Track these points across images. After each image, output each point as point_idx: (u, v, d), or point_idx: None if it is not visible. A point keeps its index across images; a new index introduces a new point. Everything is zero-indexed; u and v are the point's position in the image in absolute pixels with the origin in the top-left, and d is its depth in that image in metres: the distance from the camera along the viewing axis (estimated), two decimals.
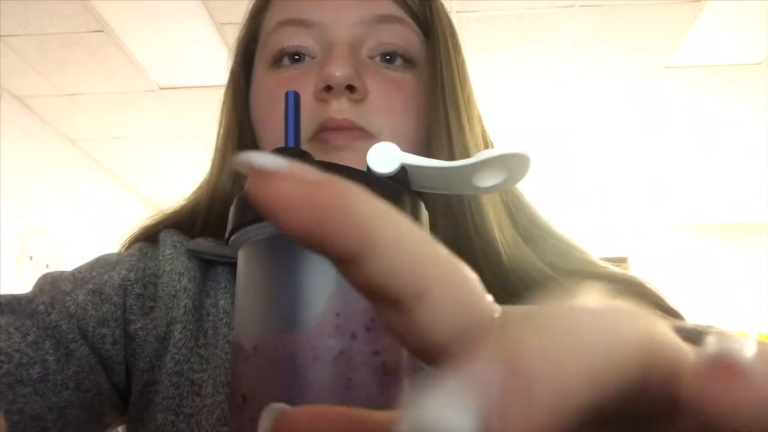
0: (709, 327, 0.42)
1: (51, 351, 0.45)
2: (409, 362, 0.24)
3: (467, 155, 0.49)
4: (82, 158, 3.41)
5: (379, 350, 0.23)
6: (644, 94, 2.86)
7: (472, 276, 0.16)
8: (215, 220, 0.55)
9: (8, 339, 0.43)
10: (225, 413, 0.45)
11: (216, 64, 2.54)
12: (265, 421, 0.17)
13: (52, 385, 0.44)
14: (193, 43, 2.45)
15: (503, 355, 0.12)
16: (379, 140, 0.48)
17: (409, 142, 0.50)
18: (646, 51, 2.52)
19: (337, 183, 0.15)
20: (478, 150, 0.50)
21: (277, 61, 0.52)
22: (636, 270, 4.12)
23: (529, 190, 0.56)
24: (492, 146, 0.57)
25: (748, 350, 0.14)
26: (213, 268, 0.53)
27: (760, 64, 2.59)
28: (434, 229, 0.49)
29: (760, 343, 0.15)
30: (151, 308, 0.49)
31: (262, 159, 0.15)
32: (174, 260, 0.51)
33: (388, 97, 0.49)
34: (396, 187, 0.28)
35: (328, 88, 0.48)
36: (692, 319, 0.47)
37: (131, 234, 0.57)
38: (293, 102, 0.29)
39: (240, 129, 0.56)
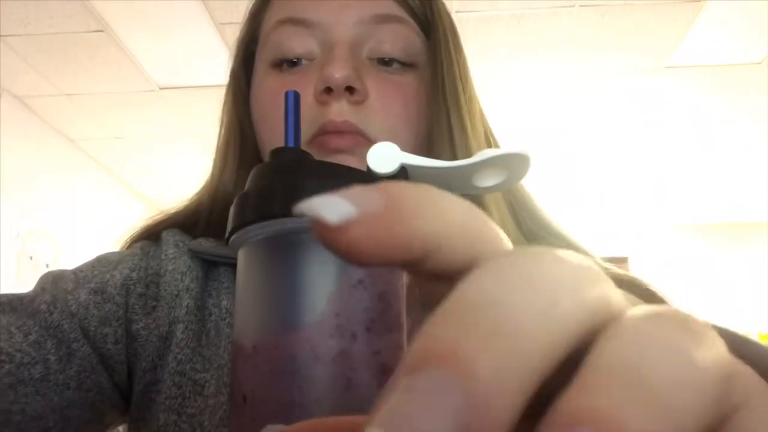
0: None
1: (53, 350, 0.45)
2: None
3: (469, 155, 0.48)
4: (82, 158, 3.41)
5: (379, 350, 0.23)
6: (644, 94, 2.86)
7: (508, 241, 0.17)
8: (217, 220, 0.55)
9: (10, 338, 0.43)
10: (227, 413, 0.44)
11: (216, 64, 2.54)
12: None
13: (54, 385, 0.44)
14: (193, 43, 2.45)
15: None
16: None
17: (409, 145, 0.49)
18: (646, 51, 2.52)
19: (398, 202, 0.15)
20: (480, 150, 0.50)
21: (277, 65, 0.52)
22: (636, 270, 4.12)
23: (530, 190, 0.56)
24: (496, 145, 0.57)
25: None
26: (215, 268, 0.53)
27: (760, 64, 2.59)
28: None
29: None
30: (154, 308, 0.49)
31: (329, 209, 0.15)
32: (176, 260, 0.51)
33: (387, 100, 0.49)
34: None
35: (329, 90, 0.47)
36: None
37: (133, 233, 0.57)
38: (293, 102, 0.29)
39: (241, 129, 0.56)
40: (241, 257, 0.26)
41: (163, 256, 0.51)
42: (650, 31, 2.38)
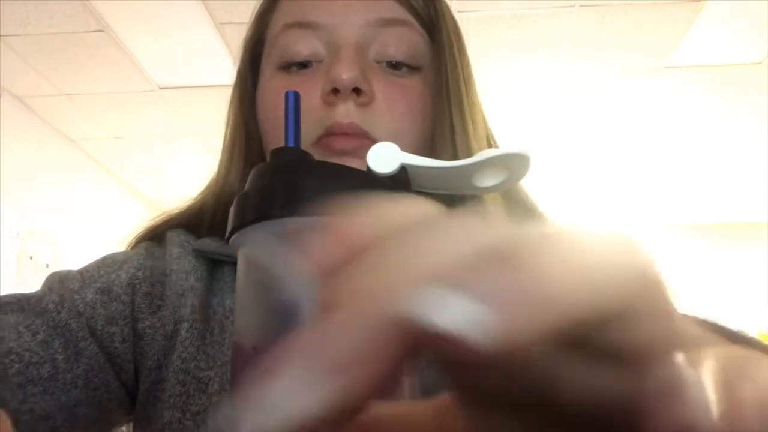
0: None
1: (60, 350, 0.45)
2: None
3: (470, 156, 0.49)
4: (82, 158, 3.41)
5: None
6: (644, 94, 2.86)
7: None
8: (222, 220, 0.55)
9: (18, 338, 0.44)
10: None
11: (216, 64, 2.54)
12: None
13: (62, 384, 0.44)
14: (193, 42, 2.45)
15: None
16: None
17: (413, 147, 0.49)
18: (646, 51, 2.52)
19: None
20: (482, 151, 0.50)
21: (285, 68, 0.52)
22: None
23: (529, 190, 0.56)
24: (497, 147, 0.57)
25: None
26: (220, 267, 0.53)
27: (760, 64, 2.59)
28: None
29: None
30: (159, 307, 0.50)
31: None
32: (181, 259, 0.51)
33: (394, 102, 0.49)
34: (396, 187, 0.28)
35: (335, 91, 0.47)
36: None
37: (137, 233, 0.57)
38: (293, 102, 0.29)
39: (247, 129, 0.57)
40: (241, 257, 0.26)
41: (168, 256, 0.51)
42: (650, 31, 2.38)
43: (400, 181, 0.30)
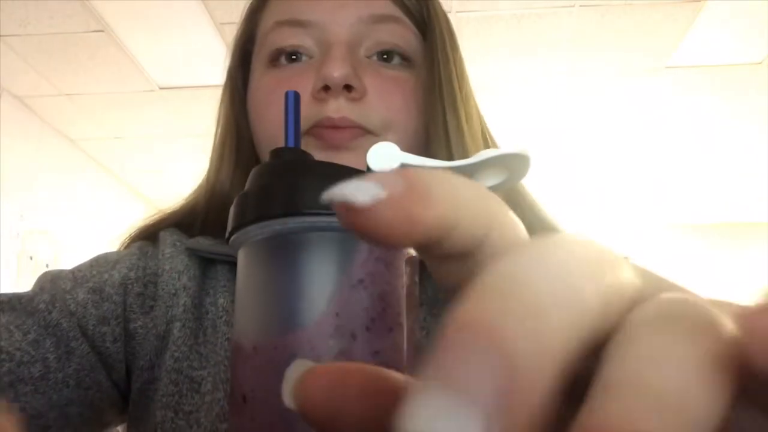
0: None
1: (51, 349, 0.45)
2: (409, 361, 0.24)
3: (465, 154, 0.49)
4: (82, 158, 3.41)
5: (379, 350, 0.23)
6: (644, 94, 2.86)
7: (518, 220, 0.18)
8: (214, 219, 0.55)
9: (9, 337, 0.44)
10: (224, 410, 0.45)
11: (216, 64, 2.52)
12: (293, 374, 0.17)
13: (53, 383, 0.44)
14: (193, 43, 2.45)
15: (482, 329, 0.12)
16: (378, 137, 0.48)
17: (408, 140, 0.49)
18: (646, 51, 2.52)
19: (417, 184, 0.15)
20: (477, 149, 0.50)
21: (274, 60, 0.52)
22: None
23: (530, 189, 0.56)
24: (493, 143, 0.57)
25: None
26: (212, 266, 0.53)
27: (760, 64, 2.59)
28: None
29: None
30: (151, 307, 0.50)
31: (359, 192, 0.15)
32: (174, 259, 0.51)
33: (386, 95, 0.49)
34: None
35: (326, 88, 0.47)
36: None
37: (130, 233, 0.57)
38: (293, 102, 0.29)
39: (238, 128, 0.56)
40: (241, 257, 0.26)
41: (160, 256, 0.51)
42: (650, 31, 2.38)
43: None
